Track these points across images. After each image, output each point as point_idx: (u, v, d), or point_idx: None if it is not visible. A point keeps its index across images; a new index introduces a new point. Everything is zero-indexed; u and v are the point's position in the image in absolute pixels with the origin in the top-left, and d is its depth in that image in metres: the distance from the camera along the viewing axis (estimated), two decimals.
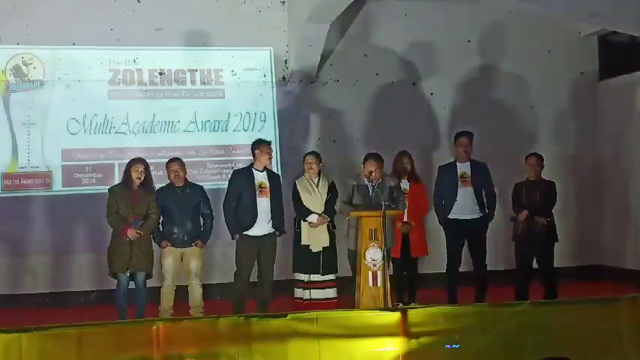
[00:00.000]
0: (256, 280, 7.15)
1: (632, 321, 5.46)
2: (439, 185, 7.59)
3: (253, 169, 7.12)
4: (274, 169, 8.65)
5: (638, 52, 9.23)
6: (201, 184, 7.48)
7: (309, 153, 7.50)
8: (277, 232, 7.12)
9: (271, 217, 7.02)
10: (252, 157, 7.23)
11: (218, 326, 5.10)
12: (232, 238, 7.12)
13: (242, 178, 7.12)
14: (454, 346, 5.31)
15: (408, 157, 7.69)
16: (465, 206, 7.33)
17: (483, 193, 7.39)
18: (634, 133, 9.20)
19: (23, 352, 4.75)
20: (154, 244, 7.00)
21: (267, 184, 7.07)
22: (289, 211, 7.39)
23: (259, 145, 7.16)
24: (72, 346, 4.85)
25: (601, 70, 9.88)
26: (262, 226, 7.00)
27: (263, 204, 7.01)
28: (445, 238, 7.52)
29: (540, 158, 7.44)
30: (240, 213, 7.03)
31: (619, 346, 5.43)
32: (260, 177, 7.09)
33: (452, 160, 7.63)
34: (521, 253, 7.36)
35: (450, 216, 7.38)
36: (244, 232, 7.00)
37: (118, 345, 4.93)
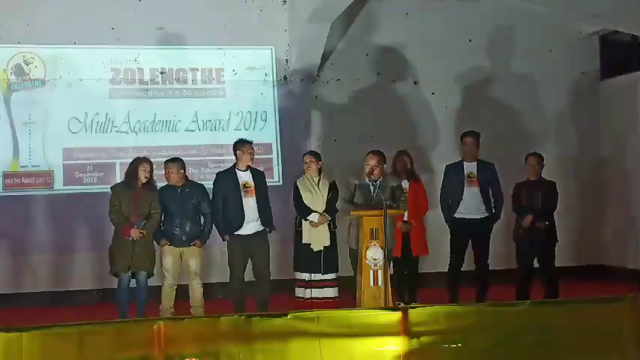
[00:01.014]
0: (254, 279, 7.15)
1: (633, 321, 5.45)
2: (446, 184, 7.60)
3: (236, 170, 7.12)
4: (275, 169, 8.68)
5: (639, 52, 9.23)
6: (202, 183, 7.48)
7: (308, 152, 7.51)
8: (268, 229, 7.12)
9: (259, 215, 7.03)
10: (248, 157, 7.21)
11: (219, 325, 5.10)
12: (222, 239, 7.13)
13: (226, 179, 7.12)
14: (455, 345, 5.30)
15: (407, 156, 7.69)
16: (471, 206, 7.33)
17: (490, 192, 7.39)
18: (635, 132, 9.21)
19: (24, 351, 4.75)
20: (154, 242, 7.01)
21: (252, 184, 7.07)
22: (290, 210, 7.39)
23: (241, 145, 7.15)
24: (73, 345, 4.84)
25: (602, 69, 9.89)
26: (251, 225, 7.01)
27: (250, 203, 7.01)
28: (450, 237, 7.52)
29: (540, 158, 7.43)
30: (228, 214, 7.03)
31: (619, 346, 5.43)
32: (244, 177, 7.09)
33: (459, 160, 7.63)
34: (522, 254, 7.36)
35: (456, 215, 7.38)
36: (234, 233, 7.01)
37: (119, 344, 4.92)
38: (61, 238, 8.44)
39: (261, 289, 7.09)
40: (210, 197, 7.12)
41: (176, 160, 7.12)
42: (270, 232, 7.15)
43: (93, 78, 8.69)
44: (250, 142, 7.22)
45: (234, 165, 7.16)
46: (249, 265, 7.14)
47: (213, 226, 7.11)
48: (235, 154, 7.16)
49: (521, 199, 7.38)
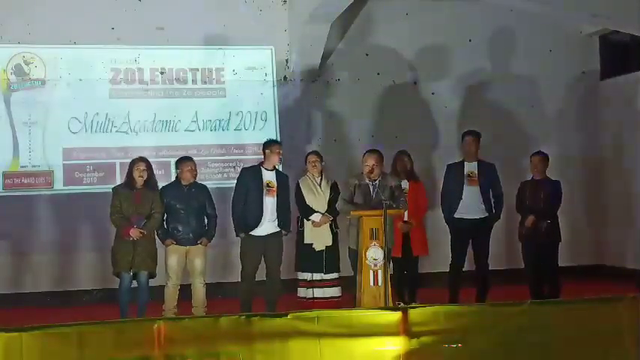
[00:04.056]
0: (264, 278, 7.14)
1: (633, 321, 5.45)
2: (446, 184, 7.59)
3: (262, 168, 7.12)
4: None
5: (639, 52, 9.23)
6: (202, 183, 7.48)
7: (312, 152, 7.52)
8: (283, 231, 7.11)
9: (277, 216, 7.02)
10: (253, 157, 7.24)
11: (219, 325, 5.09)
12: (237, 236, 7.13)
13: (250, 176, 7.12)
14: (455, 345, 5.30)
15: (407, 156, 7.69)
16: (470, 205, 7.33)
17: (490, 193, 7.38)
18: (635, 132, 9.20)
19: (24, 351, 4.74)
20: (157, 243, 7.00)
21: (275, 184, 7.06)
22: (292, 211, 7.39)
23: (270, 145, 7.16)
24: (73, 344, 4.83)
25: (602, 69, 9.88)
26: (267, 226, 7.00)
27: (269, 203, 7.01)
28: (450, 237, 7.51)
29: (544, 157, 7.43)
30: (247, 212, 7.02)
31: (619, 346, 5.42)
32: (268, 176, 7.09)
33: (460, 160, 7.62)
34: (527, 254, 7.39)
35: (456, 215, 7.37)
36: (250, 232, 7.00)
37: (119, 344, 4.91)
38: (61, 238, 8.45)
39: (270, 289, 7.08)
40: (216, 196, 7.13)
41: (191, 159, 7.18)
42: (286, 234, 7.15)
43: (93, 78, 8.69)
44: (279, 143, 7.24)
45: (261, 163, 7.17)
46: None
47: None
48: (264, 153, 7.16)
49: (524, 199, 7.39)
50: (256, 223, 6.96)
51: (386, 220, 6.39)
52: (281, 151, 7.14)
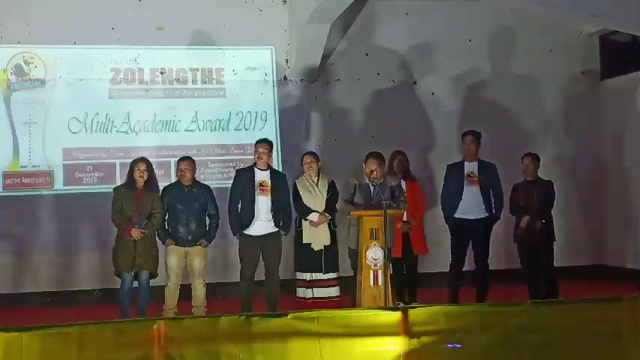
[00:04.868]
0: (264, 278, 7.13)
1: (633, 321, 5.46)
2: (446, 184, 7.59)
3: (255, 168, 7.13)
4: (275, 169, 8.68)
5: (639, 52, 9.22)
6: (205, 183, 7.47)
7: (308, 153, 7.53)
8: (282, 231, 7.11)
9: (273, 216, 7.02)
10: (253, 157, 7.23)
11: (219, 325, 5.10)
12: (234, 236, 7.14)
13: (243, 176, 7.14)
14: (455, 345, 5.30)
15: (403, 156, 7.69)
16: (470, 205, 7.32)
17: (491, 193, 7.38)
18: (635, 132, 9.20)
19: (24, 351, 4.75)
20: (158, 243, 7.00)
21: (269, 183, 7.06)
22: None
23: (257, 144, 7.16)
24: (73, 345, 4.84)
25: (602, 69, 9.88)
26: (263, 225, 6.99)
27: (263, 203, 7.00)
28: (450, 237, 7.51)
29: (535, 158, 7.45)
30: (242, 212, 7.05)
31: (619, 346, 5.43)
32: (261, 175, 7.08)
33: (460, 160, 7.62)
34: (523, 254, 7.41)
35: (456, 215, 7.37)
36: (245, 232, 7.01)
37: (119, 344, 4.92)
38: (61, 238, 8.44)
39: (270, 289, 7.08)
40: (216, 196, 7.13)
41: (190, 158, 7.18)
42: (285, 234, 7.14)
43: (93, 78, 8.69)
44: (266, 142, 7.18)
45: (255, 163, 7.17)
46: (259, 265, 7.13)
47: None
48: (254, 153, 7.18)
49: (517, 200, 7.41)
50: (249, 222, 6.96)
51: (386, 220, 6.40)
52: (266, 150, 7.08)
